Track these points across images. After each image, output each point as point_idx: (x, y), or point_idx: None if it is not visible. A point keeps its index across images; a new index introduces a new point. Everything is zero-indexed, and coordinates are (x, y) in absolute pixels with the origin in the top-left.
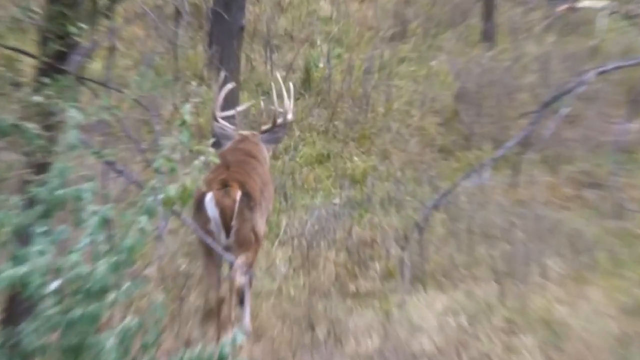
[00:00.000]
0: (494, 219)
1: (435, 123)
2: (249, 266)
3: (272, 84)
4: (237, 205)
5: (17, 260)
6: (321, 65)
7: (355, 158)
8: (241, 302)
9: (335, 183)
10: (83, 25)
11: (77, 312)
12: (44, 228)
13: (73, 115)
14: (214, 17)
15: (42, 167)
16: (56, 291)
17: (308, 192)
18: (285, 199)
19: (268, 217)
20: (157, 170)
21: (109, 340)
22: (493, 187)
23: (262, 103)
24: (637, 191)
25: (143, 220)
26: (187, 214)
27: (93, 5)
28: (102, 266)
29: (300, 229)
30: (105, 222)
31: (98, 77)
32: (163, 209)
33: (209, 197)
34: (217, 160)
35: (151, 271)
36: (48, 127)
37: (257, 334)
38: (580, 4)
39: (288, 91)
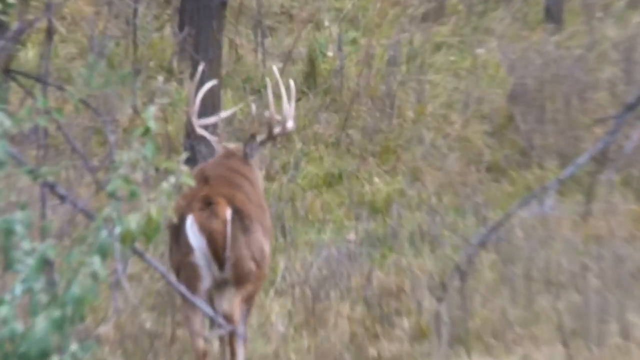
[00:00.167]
0: (559, 261)
1: (482, 132)
2: (250, 306)
3: (267, 79)
4: (228, 227)
5: None
6: (330, 54)
7: (376, 179)
8: None
9: (350, 213)
10: (10, 0)
11: None
12: None
13: None
14: None
15: None
16: None
17: (313, 224)
18: (284, 234)
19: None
20: (112, 195)
21: None
22: (559, 218)
23: (252, 106)
24: None
25: (95, 261)
26: (161, 247)
27: None
28: (41, 323)
29: (304, 275)
30: (45, 264)
31: (32, 69)
32: (121, 246)
33: (190, 221)
34: (190, 182)
35: (106, 330)
36: None
37: None
38: None
39: (287, 90)
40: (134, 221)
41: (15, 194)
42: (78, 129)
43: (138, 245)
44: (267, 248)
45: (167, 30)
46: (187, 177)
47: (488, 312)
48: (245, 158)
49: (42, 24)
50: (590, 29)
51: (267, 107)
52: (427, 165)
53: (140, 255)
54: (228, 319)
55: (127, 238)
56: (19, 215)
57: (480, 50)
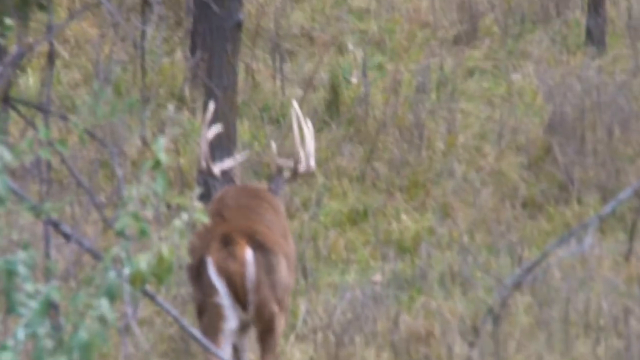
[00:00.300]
0: (600, 303)
1: (517, 165)
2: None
3: (291, 112)
4: (249, 269)
5: None
6: (354, 80)
7: (404, 216)
8: None
9: (376, 252)
10: (8, 21)
11: None
12: None
13: None
14: (198, 9)
15: None
16: None
17: (336, 265)
18: (305, 276)
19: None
20: (120, 234)
21: None
22: (599, 257)
23: (272, 145)
24: None
25: (103, 304)
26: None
27: None
28: None
29: (326, 318)
30: (50, 308)
31: (32, 97)
32: (130, 288)
33: (209, 263)
34: (205, 219)
35: None
36: None
37: None
38: None
39: (304, 128)
40: (144, 261)
41: (17, 232)
42: (83, 161)
43: (149, 287)
44: (291, 282)
45: (178, 54)
46: (200, 214)
47: (523, 358)
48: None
49: (44, 48)
50: (635, 53)
51: (285, 139)
52: (458, 201)
53: (152, 297)
54: None
55: (137, 279)
56: (21, 255)
57: (515, 76)
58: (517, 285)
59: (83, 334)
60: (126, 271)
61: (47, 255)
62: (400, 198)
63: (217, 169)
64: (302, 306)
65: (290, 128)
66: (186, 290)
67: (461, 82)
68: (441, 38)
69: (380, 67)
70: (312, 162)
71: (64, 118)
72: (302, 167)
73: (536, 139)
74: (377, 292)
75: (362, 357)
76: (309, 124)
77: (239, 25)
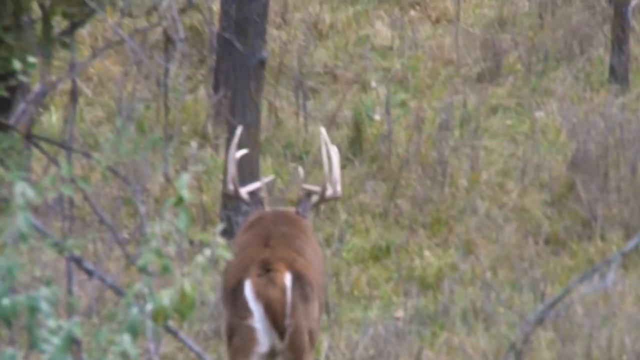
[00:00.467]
0: (623, 339)
1: (541, 202)
2: None
3: (321, 138)
4: (288, 296)
5: None
6: (377, 117)
7: (427, 252)
8: None
9: (398, 288)
10: (32, 59)
11: None
12: None
13: (21, 190)
14: (221, 46)
15: None
16: None
17: (359, 301)
18: (327, 311)
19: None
20: (143, 270)
21: None
22: (622, 293)
23: (300, 170)
24: None
25: (125, 340)
26: (196, 324)
27: (46, 29)
28: None
29: (349, 355)
30: (72, 344)
31: (55, 135)
32: (153, 324)
33: (248, 287)
34: (228, 255)
35: None
36: None
37: None
38: None
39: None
40: (166, 297)
41: (39, 268)
42: (106, 198)
43: (171, 323)
44: (320, 318)
45: (201, 91)
46: (223, 250)
47: None
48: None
49: (66, 86)
50: None
51: (309, 176)
52: (481, 238)
53: (174, 333)
54: None
55: (159, 315)
56: (43, 291)
57: (539, 114)
58: (540, 321)
59: None
60: (149, 307)
61: (69, 291)
62: (423, 234)
63: (244, 191)
64: (325, 342)
65: (313, 165)
66: (209, 326)
67: (484, 120)
68: (464, 75)
69: (403, 105)
70: (339, 187)
71: (86, 155)
72: (329, 192)
73: (559, 176)
74: (399, 328)
75: None
76: (335, 149)
77: (262, 63)
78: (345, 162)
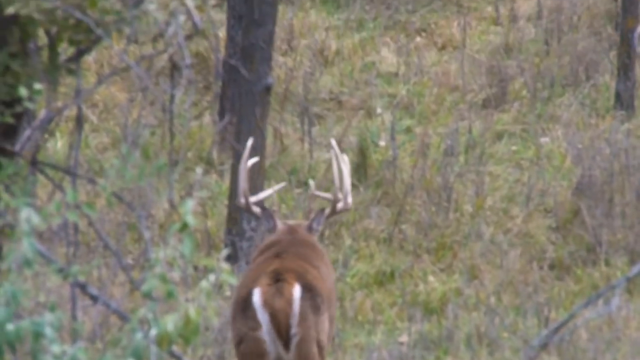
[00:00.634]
0: None
1: (545, 227)
2: None
3: (331, 151)
4: (295, 306)
5: None
6: (382, 143)
7: (431, 278)
8: None
9: (402, 313)
10: (38, 86)
11: None
12: None
13: (26, 216)
14: (227, 73)
15: None
16: None
17: (363, 326)
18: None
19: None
20: (147, 296)
21: None
22: (626, 318)
23: (311, 183)
24: None
25: None
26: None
27: (52, 56)
28: None
29: None
30: None
31: (60, 161)
32: (157, 349)
33: (256, 296)
34: (232, 281)
35: None
36: None
37: None
38: None
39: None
40: (171, 322)
41: (44, 294)
42: (111, 224)
43: (176, 348)
44: (331, 335)
45: (207, 118)
46: (227, 276)
47: None
48: (310, 231)
49: (72, 112)
50: None
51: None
52: (485, 263)
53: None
54: None
55: (163, 340)
56: (48, 317)
57: (544, 140)
58: (544, 346)
59: None
60: (153, 332)
61: (73, 317)
62: (427, 260)
63: (255, 204)
64: None
65: (318, 189)
66: (212, 351)
67: (490, 146)
68: (470, 102)
69: (408, 131)
70: (349, 199)
71: (91, 181)
72: (340, 205)
73: (564, 201)
74: (403, 353)
75: None
76: (346, 159)
77: (268, 89)
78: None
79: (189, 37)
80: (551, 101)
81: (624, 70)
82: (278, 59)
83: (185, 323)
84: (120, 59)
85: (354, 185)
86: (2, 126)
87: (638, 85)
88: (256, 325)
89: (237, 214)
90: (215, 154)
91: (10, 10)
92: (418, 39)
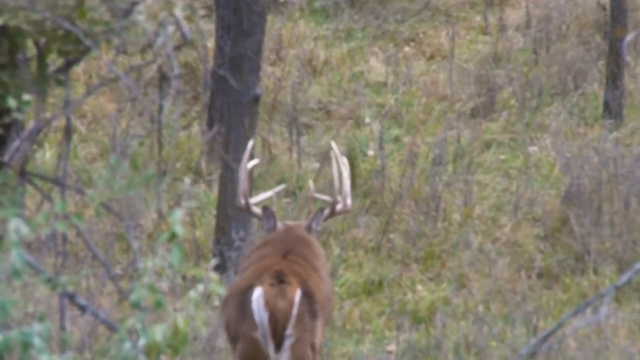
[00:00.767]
0: None
1: (534, 236)
2: None
3: (332, 152)
4: (295, 309)
5: None
6: (371, 153)
7: (420, 287)
8: None
9: (391, 322)
10: (26, 97)
11: None
12: None
13: (15, 227)
14: (216, 83)
15: None
16: None
17: (351, 335)
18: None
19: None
20: (136, 306)
21: None
22: (615, 327)
23: (310, 184)
24: None
25: None
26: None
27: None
28: None
29: None
30: None
31: (49, 171)
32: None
33: (258, 294)
34: (220, 290)
35: None
36: None
37: None
38: None
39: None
40: (159, 332)
41: (32, 304)
42: (99, 234)
43: (164, 358)
44: (322, 341)
45: (195, 128)
46: (216, 285)
47: None
48: (309, 231)
49: (61, 123)
50: None
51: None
52: (474, 272)
53: None
54: None
55: (152, 350)
56: (37, 327)
57: (533, 149)
58: (533, 355)
59: None
60: (141, 342)
61: (62, 327)
62: (415, 269)
63: (254, 205)
64: None
65: (306, 201)
66: None
67: (478, 155)
68: (458, 111)
69: (397, 140)
70: (349, 201)
71: (80, 192)
72: (339, 207)
73: (553, 210)
74: None
75: None
76: (345, 161)
77: (256, 100)
78: None
79: (177, 48)
80: (540, 110)
81: (612, 79)
82: (267, 69)
83: (174, 333)
84: (109, 69)
85: None
86: None
87: (626, 94)
88: (253, 325)
89: (225, 224)
90: (203, 164)
91: None
92: (407, 48)
